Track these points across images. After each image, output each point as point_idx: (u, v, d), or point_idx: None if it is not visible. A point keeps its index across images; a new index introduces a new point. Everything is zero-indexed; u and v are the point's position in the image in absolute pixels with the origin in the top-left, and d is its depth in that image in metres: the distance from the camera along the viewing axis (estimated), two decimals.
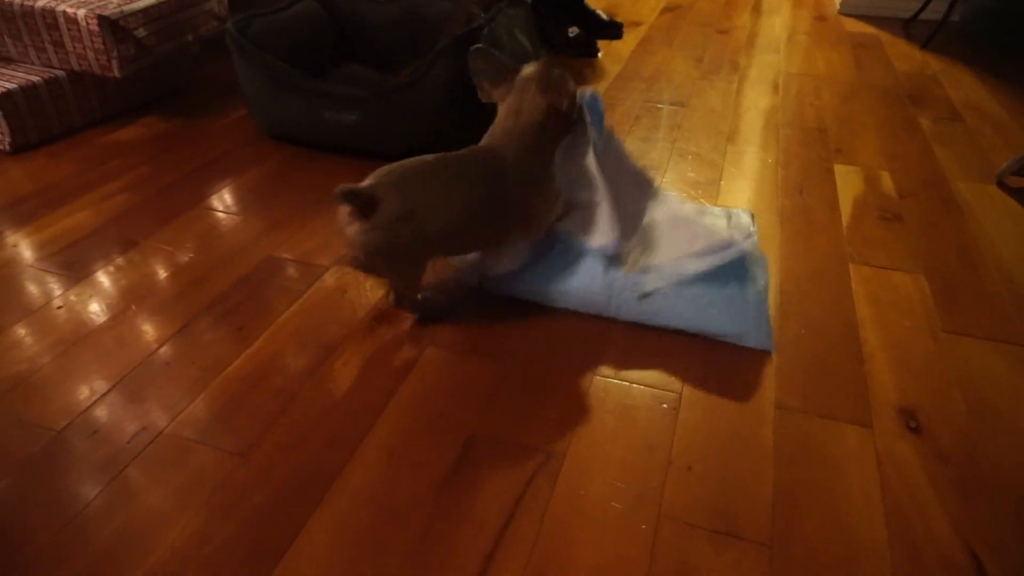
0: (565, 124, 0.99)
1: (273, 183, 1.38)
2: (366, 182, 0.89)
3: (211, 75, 1.93)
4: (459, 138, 1.43)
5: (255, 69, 1.44)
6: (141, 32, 1.50)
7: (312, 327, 1.00)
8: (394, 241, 0.88)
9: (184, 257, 1.16)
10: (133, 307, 1.04)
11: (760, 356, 0.95)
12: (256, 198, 1.33)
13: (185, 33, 1.63)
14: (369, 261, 0.91)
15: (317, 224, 1.24)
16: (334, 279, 1.10)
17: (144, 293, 1.07)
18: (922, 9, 2.41)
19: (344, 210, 0.89)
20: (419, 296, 1.00)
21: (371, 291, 1.07)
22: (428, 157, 0.93)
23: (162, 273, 1.12)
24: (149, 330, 1.00)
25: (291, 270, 1.12)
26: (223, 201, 1.32)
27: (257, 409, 0.86)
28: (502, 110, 0.98)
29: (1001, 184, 1.41)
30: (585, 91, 1.02)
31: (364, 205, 0.87)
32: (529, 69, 0.98)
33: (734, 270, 0.97)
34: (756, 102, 1.79)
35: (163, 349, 0.96)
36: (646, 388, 0.90)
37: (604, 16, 2.26)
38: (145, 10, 1.50)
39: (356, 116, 1.38)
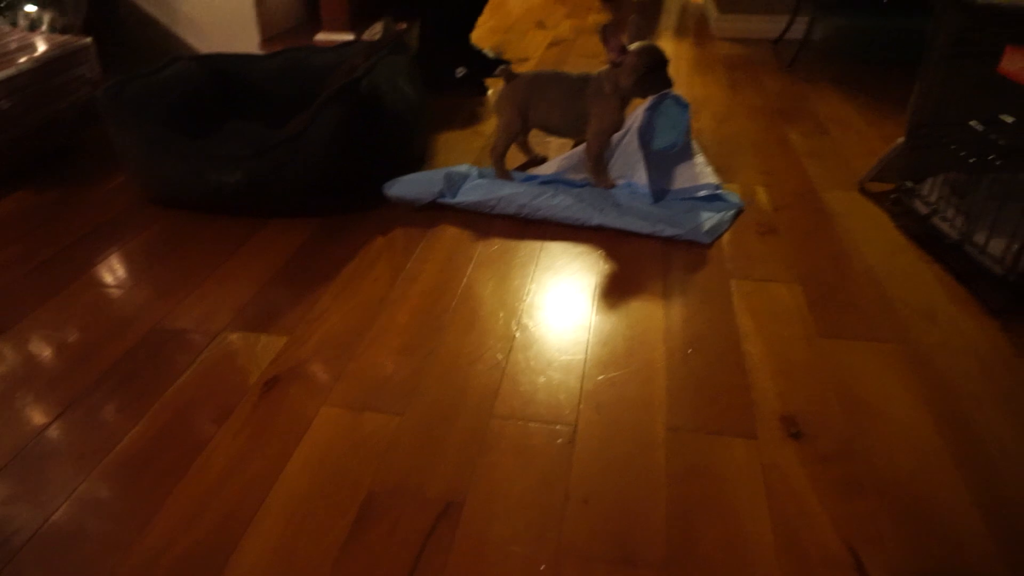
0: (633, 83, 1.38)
1: (158, 251, 1.34)
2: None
3: (91, 140, 1.86)
4: (348, 191, 1.44)
5: (130, 134, 1.41)
6: (4, 104, 1.44)
7: (202, 398, 0.97)
8: (508, 100, 1.46)
9: (63, 337, 1.10)
10: (9, 396, 0.98)
11: (651, 380, 0.99)
12: (140, 268, 1.29)
13: (56, 101, 1.58)
14: (495, 108, 1.50)
15: (204, 290, 1.21)
16: (223, 346, 1.07)
17: (19, 380, 1.01)
18: (786, 30, 2.58)
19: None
20: (501, 153, 1.49)
21: (261, 353, 1.05)
22: (552, 71, 1.49)
23: (39, 357, 1.06)
24: (28, 417, 0.94)
25: (178, 340, 1.09)
26: (105, 273, 1.27)
27: (147, 489, 0.83)
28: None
29: (863, 190, 1.52)
30: (678, 97, 1.50)
31: (509, 76, 1.46)
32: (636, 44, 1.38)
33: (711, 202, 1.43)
34: None
35: (45, 434, 0.91)
36: (542, 424, 0.91)
37: (491, 54, 2.32)
38: (6, 81, 1.44)
39: (240, 175, 1.36)
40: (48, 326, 1.13)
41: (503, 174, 1.49)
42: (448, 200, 1.42)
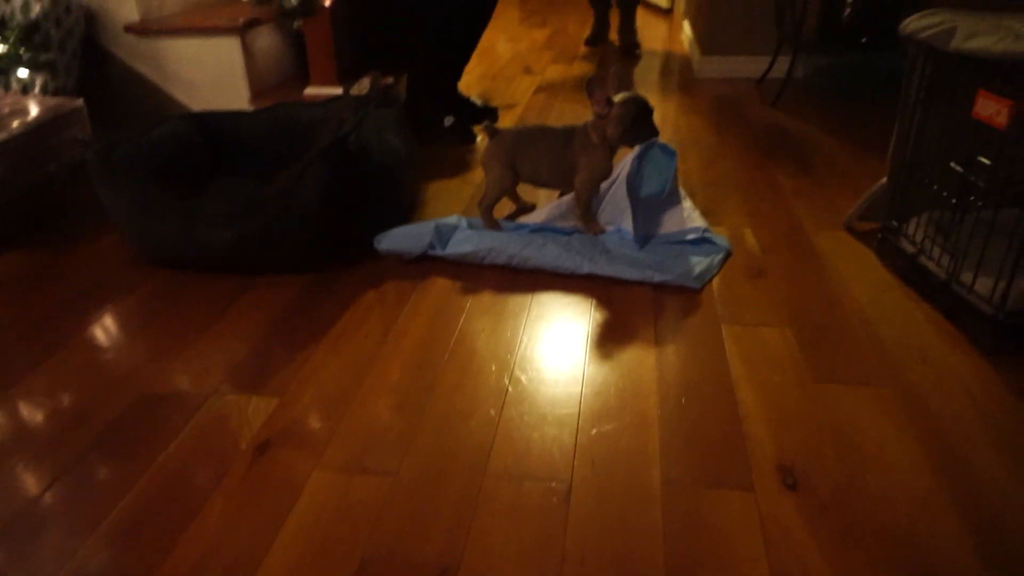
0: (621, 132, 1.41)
1: (149, 311, 1.34)
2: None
3: (82, 199, 1.87)
4: (338, 245, 1.44)
5: (119, 195, 1.42)
6: None
7: (194, 463, 0.96)
8: (496, 156, 1.48)
9: (55, 402, 1.10)
10: (1, 464, 0.97)
11: (645, 432, 0.98)
12: (132, 329, 1.28)
13: (47, 163, 1.59)
14: (483, 165, 1.51)
15: (196, 350, 1.21)
16: (215, 408, 1.06)
17: (11, 448, 1.00)
18: (768, 70, 2.63)
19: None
20: (490, 206, 1.50)
21: (253, 415, 1.04)
22: (536, 125, 1.54)
23: (31, 423, 1.05)
24: (21, 485, 0.93)
25: (171, 403, 1.08)
26: (97, 335, 1.27)
27: (140, 559, 0.82)
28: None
29: (850, 229, 1.53)
30: (665, 145, 1.50)
31: (492, 132, 1.47)
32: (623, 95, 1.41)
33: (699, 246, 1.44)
34: None
35: (39, 503, 0.90)
36: (536, 482, 0.90)
37: (478, 102, 2.36)
38: None
39: (230, 233, 1.37)
40: (40, 391, 1.13)
41: (492, 225, 1.50)
42: (439, 252, 1.43)
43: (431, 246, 1.43)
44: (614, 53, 3.34)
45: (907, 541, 0.81)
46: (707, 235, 1.45)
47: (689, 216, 1.49)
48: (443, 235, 1.45)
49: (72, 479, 0.95)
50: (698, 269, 1.35)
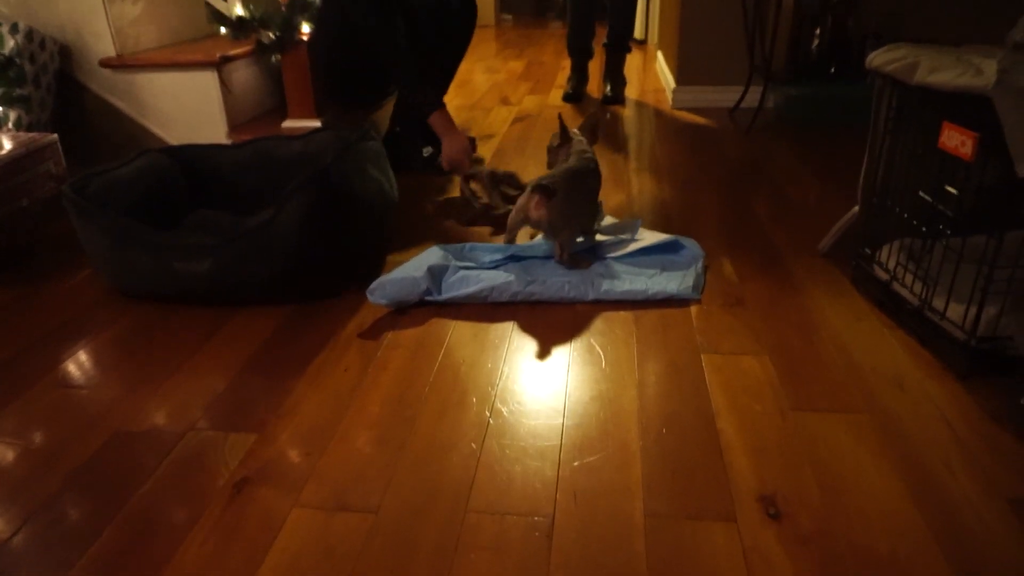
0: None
1: (125, 345, 1.32)
2: (544, 180, 1.40)
3: (55, 234, 1.85)
4: (319, 277, 1.44)
5: (96, 229, 1.40)
6: None
7: (169, 503, 0.94)
8: (566, 213, 1.42)
9: (25, 442, 1.07)
10: None
11: (627, 464, 0.98)
12: (107, 364, 1.26)
13: (19, 198, 1.57)
14: (553, 226, 1.42)
15: (173, 385, 1.19)
16: (192, 446, 1.05)
17: None
18: (741, 100, 2.69)
19: (534, 197, 1.40)
20: (571, 255, 1.48)
21: (230, 452, 1.03)
22: (571, 166, 1.49)
23: (0, 464, 1.03)
24: None
25: (146, 441, 1.06)
26: (70, 372, 1.25)
27: None
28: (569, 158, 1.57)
29: (824, 256, 1.55)
30: None
31: (548, 194, 1.38)
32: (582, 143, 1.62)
33: (678, 256, 1.52)
34: (607, 200, 1.90)
35: (5, 548, 0.87)
36: (519, 517, 0.90)
37: None
38: None
39: (208, 264, 1.36)
40: (11, 430, 1.10)
41: (581, 262, 1.49)
42: (437, 298, 1.40)
43: (428, 292, 1.39)
44: (594, 104, 3.04)
45: (889, 570, 0.81)
46: (679, 240, 1.54)
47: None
48: (436, 277, 1.41)
49: (45, 520, 0.92)
50: (691, 279, 1.42)
